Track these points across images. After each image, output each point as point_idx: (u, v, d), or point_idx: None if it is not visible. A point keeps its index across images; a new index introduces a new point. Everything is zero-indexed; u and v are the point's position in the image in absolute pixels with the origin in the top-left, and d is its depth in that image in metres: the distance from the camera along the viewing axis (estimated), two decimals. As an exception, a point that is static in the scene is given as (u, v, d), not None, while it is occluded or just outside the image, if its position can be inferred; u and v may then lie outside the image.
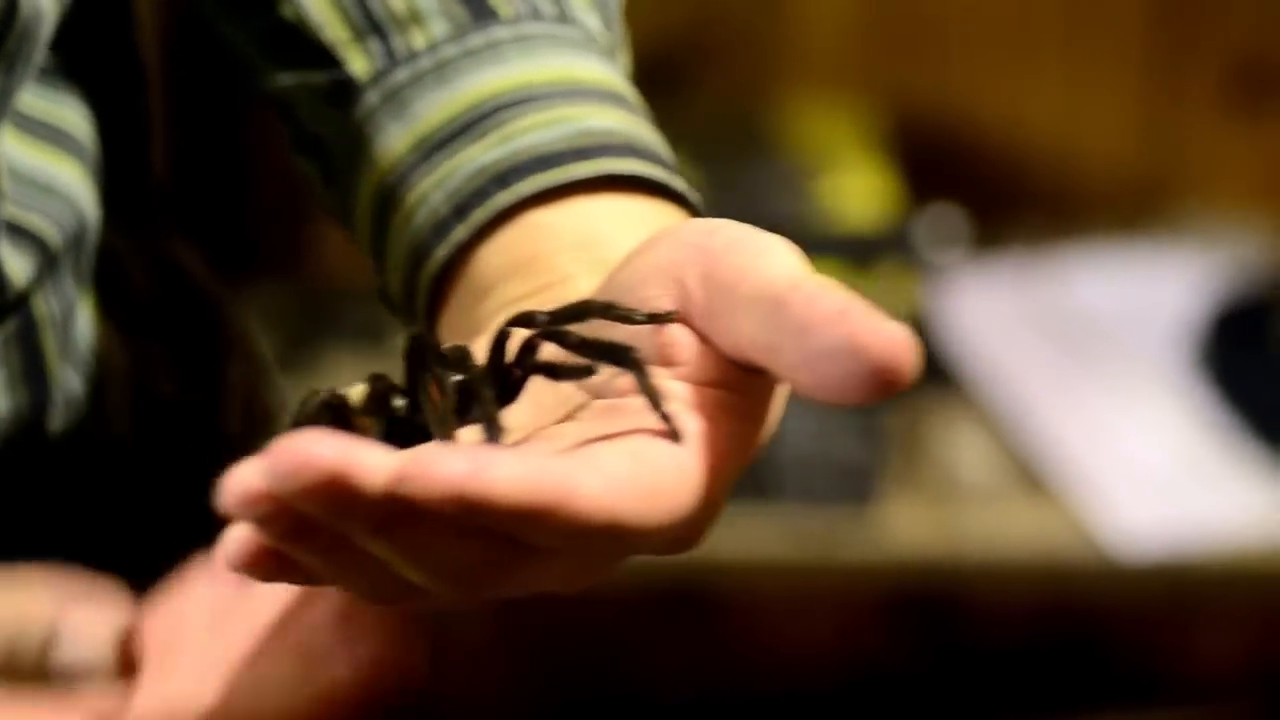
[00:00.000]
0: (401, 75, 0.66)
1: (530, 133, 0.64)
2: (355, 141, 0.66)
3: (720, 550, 1.68)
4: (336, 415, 0.54)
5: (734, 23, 1.91)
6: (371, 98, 0.66)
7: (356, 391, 0.55)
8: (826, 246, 1.69)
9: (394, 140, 0.65)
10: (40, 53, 0.64)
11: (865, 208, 1.74)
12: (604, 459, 0.51)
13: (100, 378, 0.69)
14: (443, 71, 0.65)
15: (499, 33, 0.66)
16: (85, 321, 0.68)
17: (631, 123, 0.65)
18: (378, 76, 0.66)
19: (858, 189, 1.77)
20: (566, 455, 0.51)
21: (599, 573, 0.54)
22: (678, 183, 0.64)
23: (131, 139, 0.71)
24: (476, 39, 0.66)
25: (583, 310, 0.55)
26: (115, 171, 0.69)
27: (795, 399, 1.68)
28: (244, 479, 0.47)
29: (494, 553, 0.50)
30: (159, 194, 0.74)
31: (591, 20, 0.68)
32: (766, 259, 0.54)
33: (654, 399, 0.52)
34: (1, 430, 0.64)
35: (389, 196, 0.65)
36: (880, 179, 1.79)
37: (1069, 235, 1.93)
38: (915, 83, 1.94)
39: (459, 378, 0.54)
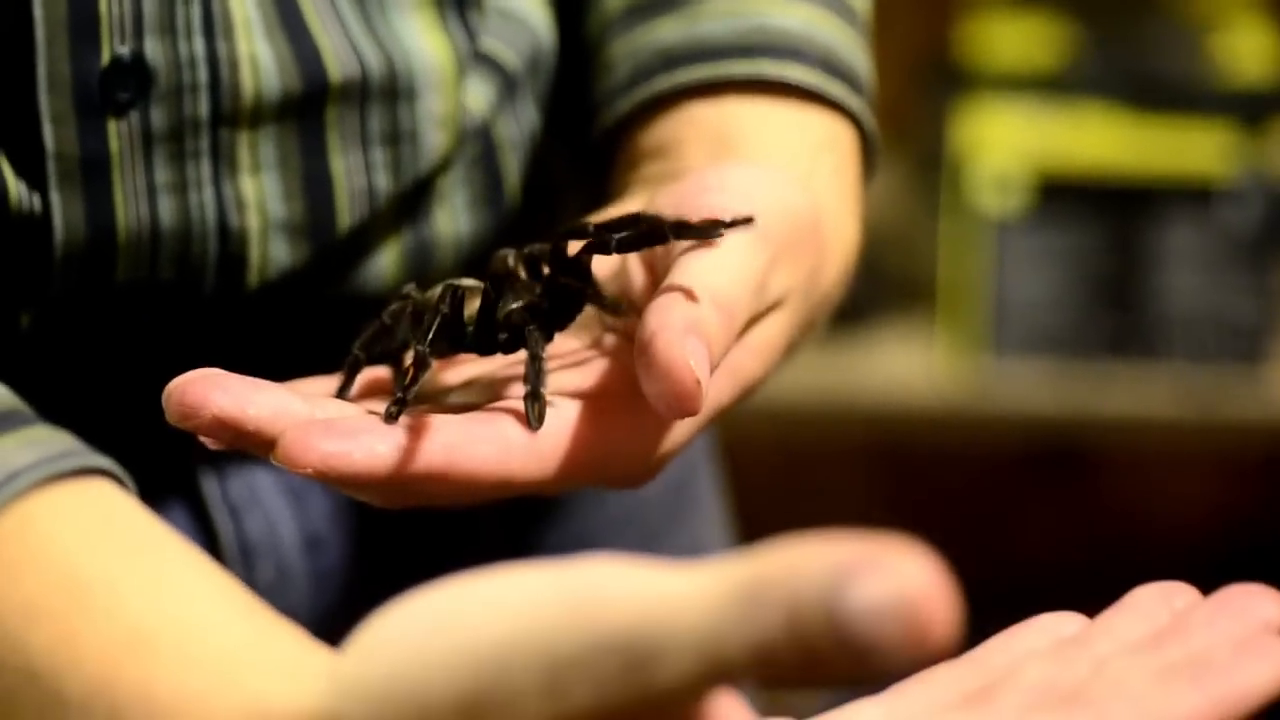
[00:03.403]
0: None
1: (711, 19, 0.67)
2: None
3: (1105, 407, 1.68)
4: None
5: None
6: None
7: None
8: (1217, 104, 1.67)
9: None
10: None
11: (1256, 65, 1.72)
12: (502, 424, 0.54)
13: (551, 202, 0.73)
14: None
15: None
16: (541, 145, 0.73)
17: (818, 21, 0.67)
18: None
19: (1248, 46, 1.74)
20: (465, 421, 0.54)
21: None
22: (835, 90, 0.66)
23: None
24: None
25: (632, 221, 0.58)
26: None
27: (1189, 257, 1.65)
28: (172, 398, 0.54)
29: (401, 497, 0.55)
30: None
31: None
32: (697, 250, 0.57)
33: (532, 383, 0.55)
34: (461, 248, 0.69)
35: (596, 47, 0.69)
36: (1271, 37, 1.76)
37: None
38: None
39: (515, 305, 0.58)
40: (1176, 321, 1.67)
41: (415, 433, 0.53)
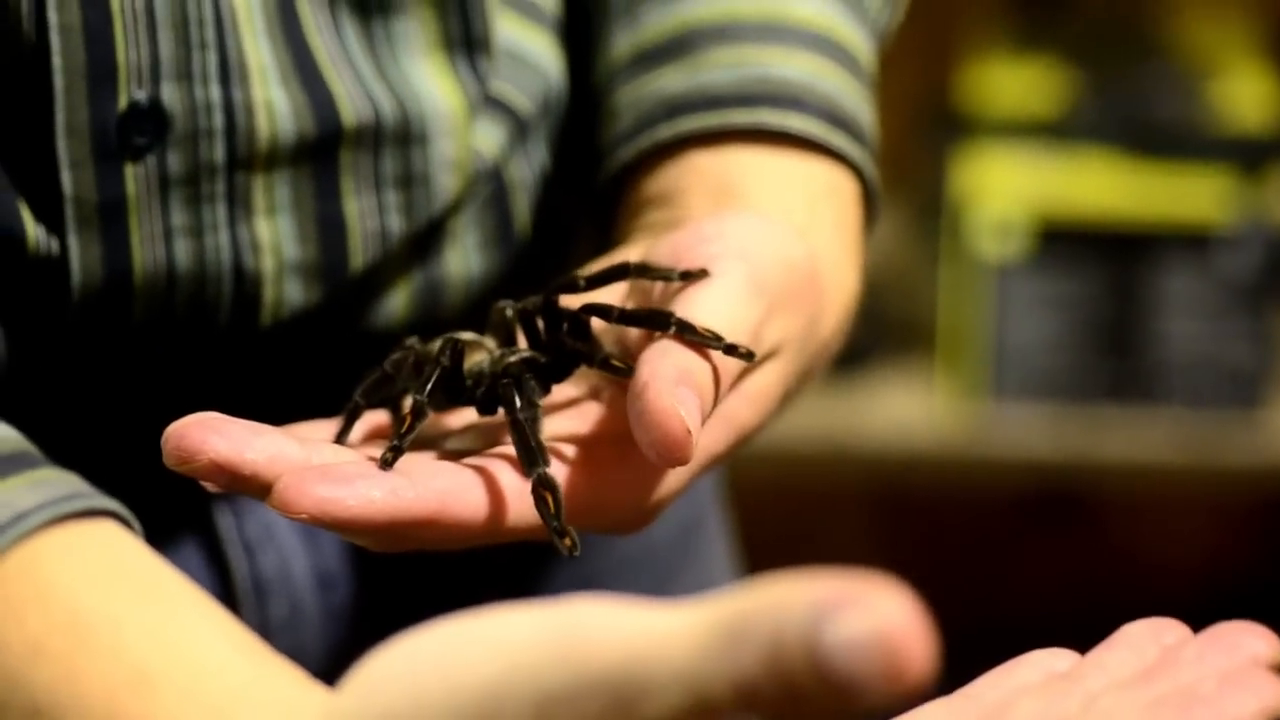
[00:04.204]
0: None
1: (714, 69, 0.68)
2: (600, 28, 0.71)
3: (1104, 452, 1.69)
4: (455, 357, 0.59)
5: (1122, -74, 1.90)
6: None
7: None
8: (1216, 150, 1.68)
9: (620, 44, 0.70)
10: None
11: (1255, 111, 1.73)
12: (497, 474, 0.56)
13: (563, 243, 0.74)
14: None
15: None
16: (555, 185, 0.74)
17: (821, 71, 0.68)
18: None
19: (1247, 92, 1.75)
20: (459, 468, 0.56)
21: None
22: (837, 140, 0.67)
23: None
24: None
25: (621, 271, 0.59)
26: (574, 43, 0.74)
27: (1188, 303, 1.65)
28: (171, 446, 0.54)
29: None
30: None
31: None
32: (692, 300, 0.58)
33: (520, 439, 0.55)
34: (472, 288, 0.70)
35: (602, 95, 0.70)
36: (1270, 83, 1.77)
37: None
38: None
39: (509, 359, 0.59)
40: (1175, 367, 1.68)
41: (410, 479, 0.54)
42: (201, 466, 0.54)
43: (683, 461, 0.54)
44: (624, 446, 0.57)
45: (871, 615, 0.38)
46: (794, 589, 0.39)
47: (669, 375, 0.54)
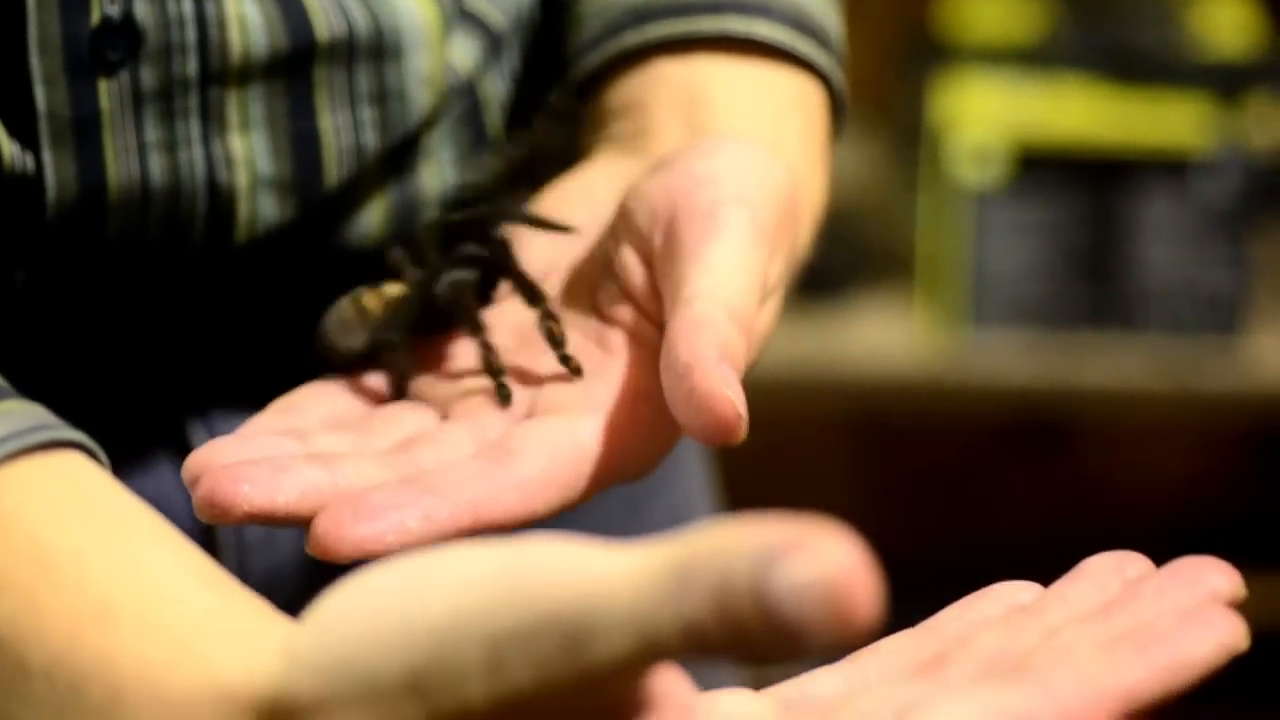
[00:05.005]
0: None
1: None
2: None
3: (1083, 378, 1.69)
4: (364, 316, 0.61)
5: None
6: None
7: (373, 299, 0.62)
8: (1194, 76, 1.68)
9: None
10: None
11: (1234, 38, 1.73)
12: (519, 464, 0.56)
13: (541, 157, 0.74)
14: None
15: None
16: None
17: None
18: None
19: (1226, 18, 1.75)
20: (483, 467, 0.56)
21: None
22: (803, 47, 0.66)
23: None
24: None
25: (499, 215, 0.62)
26: None
27: (1166, 229, 1.66)
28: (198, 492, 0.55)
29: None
30: None
31: None
32: (705, 257, 0.58)
33: (556, 344, 0.58)
34: (445, 204, 0.70)
35: (570, 3, 0.70)
36: (1249, 9, 1.76)
37: None
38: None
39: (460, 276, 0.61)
40: (1154, 293, 1.68)
41: (440, 496, 0.55)
42: (237, 519, 0.55)
43: (733, 442, 0.54)
44: (640, 406, 0.58)
45: (818, 560, 0.39)
46: (742, 533, 0.40)
47: (712, 356, 0.54)
